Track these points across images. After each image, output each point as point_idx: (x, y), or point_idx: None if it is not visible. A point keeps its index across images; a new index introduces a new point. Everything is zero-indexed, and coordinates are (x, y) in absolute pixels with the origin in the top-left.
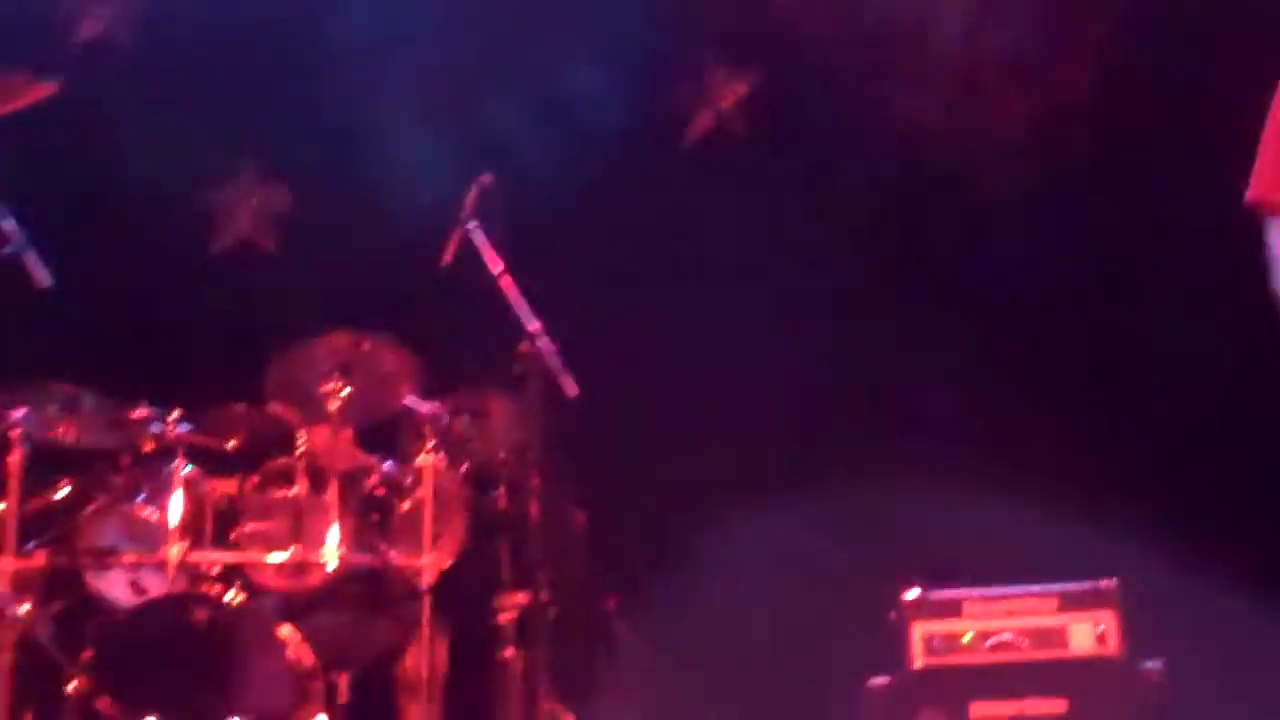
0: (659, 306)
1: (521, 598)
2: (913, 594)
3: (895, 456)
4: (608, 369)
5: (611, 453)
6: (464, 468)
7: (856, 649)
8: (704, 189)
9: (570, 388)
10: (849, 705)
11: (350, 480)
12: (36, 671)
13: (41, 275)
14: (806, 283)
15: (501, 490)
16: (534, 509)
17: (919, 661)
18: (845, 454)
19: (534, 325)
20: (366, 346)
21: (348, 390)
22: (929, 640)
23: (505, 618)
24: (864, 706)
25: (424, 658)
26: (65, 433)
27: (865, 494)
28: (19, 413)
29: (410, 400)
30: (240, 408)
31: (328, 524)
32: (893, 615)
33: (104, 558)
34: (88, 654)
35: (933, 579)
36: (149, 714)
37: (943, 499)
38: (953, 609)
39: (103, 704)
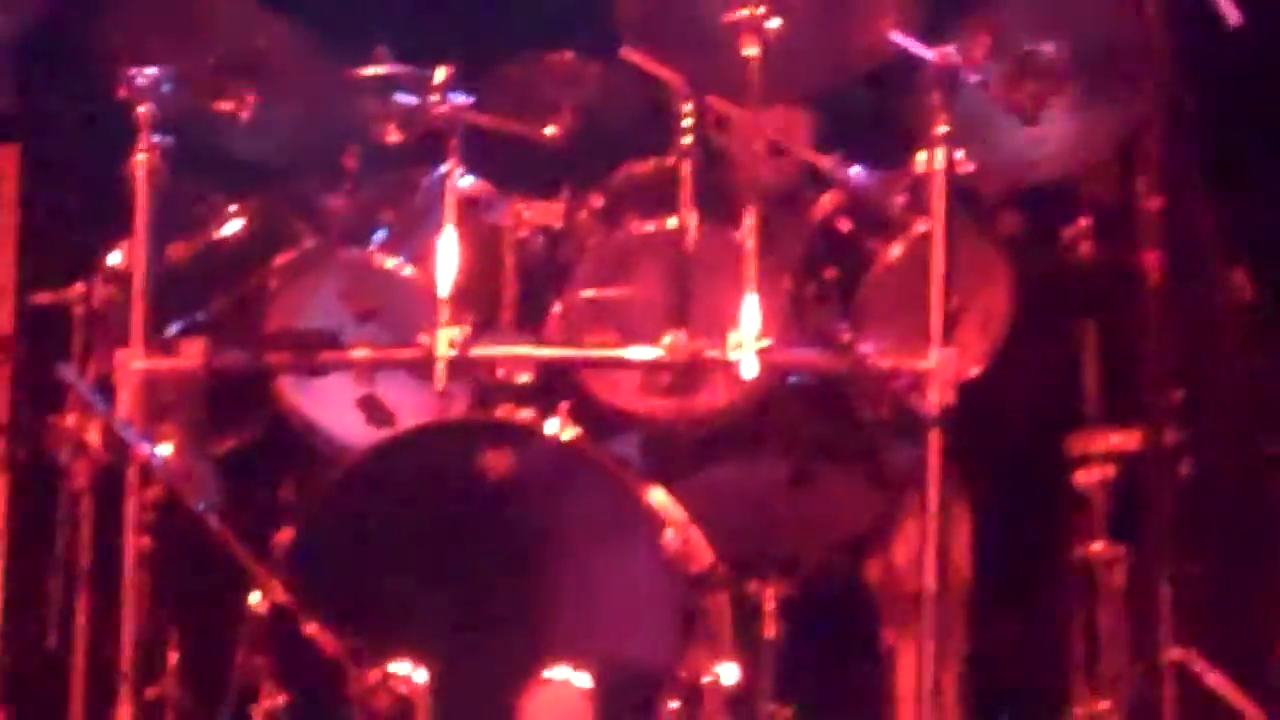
0: None
1: (1124, 438)
2: None
3: None
4: None
5: None
6: (1006, 185)
7: None
8: None
9: (1232, 13)
10: None
11: (784, 203)
12: (194, 565)
13: None
14: None
15: (1084, 225)
16: (1151, 264)
17: None
18: None
19: None
20: None
21: (777, 21)
22: None
23: (1088, 477)
24: None
25: (928, 549)
26: (236, 110)
27: None
28: (146, 73)
29: (904, 40)
30: (564, 58)
31: (740, 289)
32: None
33: (313, 352)
34: (286, 537)
35: None
36: (396, 654)
37: None
38: None
39: (312, 629)
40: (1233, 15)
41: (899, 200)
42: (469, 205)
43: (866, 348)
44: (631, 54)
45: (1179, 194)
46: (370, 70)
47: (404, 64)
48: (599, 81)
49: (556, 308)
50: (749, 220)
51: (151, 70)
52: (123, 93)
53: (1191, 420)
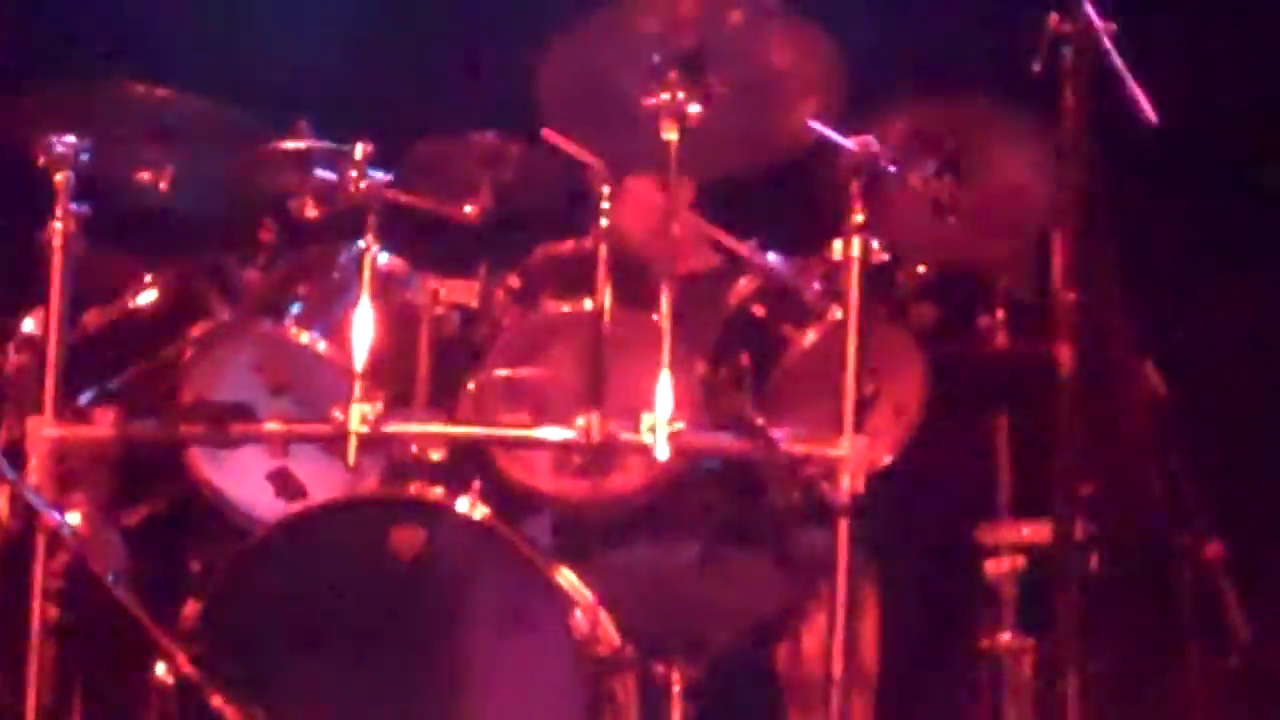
0: None
1: (1034, 529)
2: None
3: None
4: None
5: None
6: (921, 269)
7: None
8: None
9: (1149, 112)
10: None
11: (699, 287)
12: (98, 636)
13: None
14: None
15: (999, 317)
16: (1065, 356)
17: None
18: None
19: None
20: (735, 18)
21: (697, 106)
22: None
23: (998, 568)
24: None
25: (836, 637)
26: (154, 180)
27: None
28: (65, 141)
29: (823, 128)
30: (485, 137)
31: (654, 372)
32: None
33: (226, 424)
34: (193, 609)
35: None
36: None
37: None
38: None
39: (217, 703)
40: (1150, 115)
41: (814, 287)
42: (385, 282)
43: (779, 433)
44: (552, 135)
45: (1093, 288)
46: (290, 144)
47: (324, 139)
48: (519, 162)
49: (470, 386)
50: (664, 303)
51: (70, 138)
52: (41, 160)
53: (1102, 513)
